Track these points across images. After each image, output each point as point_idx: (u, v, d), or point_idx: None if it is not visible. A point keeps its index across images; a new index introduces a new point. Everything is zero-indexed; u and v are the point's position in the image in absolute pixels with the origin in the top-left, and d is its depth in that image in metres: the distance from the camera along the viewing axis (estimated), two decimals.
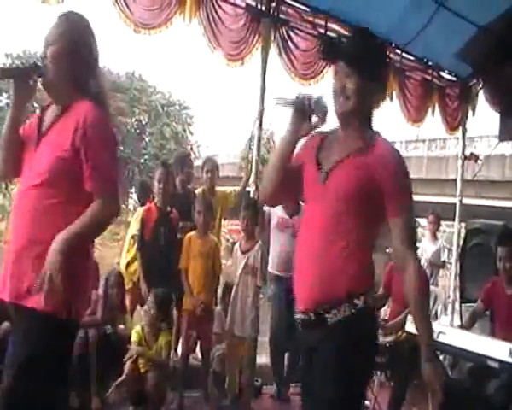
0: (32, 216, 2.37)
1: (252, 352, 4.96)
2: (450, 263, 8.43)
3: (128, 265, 5.41)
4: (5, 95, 49.21)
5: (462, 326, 5.05)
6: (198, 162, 8.43)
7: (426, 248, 8.32)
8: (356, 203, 2.26)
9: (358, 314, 2.25)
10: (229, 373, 4.98)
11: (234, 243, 6.71)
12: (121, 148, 44.52)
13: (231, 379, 4.95)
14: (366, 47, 2.35)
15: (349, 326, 2.25)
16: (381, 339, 4.84)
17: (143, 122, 45.66)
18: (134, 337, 4.54)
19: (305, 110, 2.32)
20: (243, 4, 5.40)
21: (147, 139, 46.31)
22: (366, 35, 2.43)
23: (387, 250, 6.77)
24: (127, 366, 4.42)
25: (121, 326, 4.75)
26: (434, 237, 8.53)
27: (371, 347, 2.41)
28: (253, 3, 5.41)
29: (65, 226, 2.30)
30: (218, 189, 5.88)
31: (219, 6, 5.20)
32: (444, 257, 8.48)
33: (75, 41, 2.45)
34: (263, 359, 5.68)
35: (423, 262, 7.91)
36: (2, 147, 2.54)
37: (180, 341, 5.25)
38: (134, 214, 5.94)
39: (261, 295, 5.34)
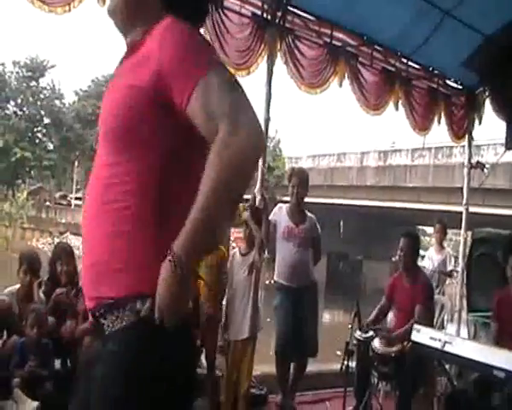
0: None
1: (252, 351, 4.96)
2: (457, 272, 8.39)
3: None
4: (12, 102, 49.69)
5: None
6: None
7: (432, 258, 8.29)
8: None
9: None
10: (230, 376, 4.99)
11: None
12: None
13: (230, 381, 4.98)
14: None
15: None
16: (387, 349, 4.83)
17: None
18: None
19: None
20: (249, 14, 5.40)
21: None
22: None
23: (393, 259, 6.74)
24: None
25: None
26: (441, 247, 8.49)
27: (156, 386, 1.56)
28: (259, 12, 5.41)
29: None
30: None
31: (225, 15, 5.21)
32: (451, 266, 8.43)
33: None
34: (268, 368, 5.66)
35: (430, 272, 7.89)
36: None
37: None
38: None
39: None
